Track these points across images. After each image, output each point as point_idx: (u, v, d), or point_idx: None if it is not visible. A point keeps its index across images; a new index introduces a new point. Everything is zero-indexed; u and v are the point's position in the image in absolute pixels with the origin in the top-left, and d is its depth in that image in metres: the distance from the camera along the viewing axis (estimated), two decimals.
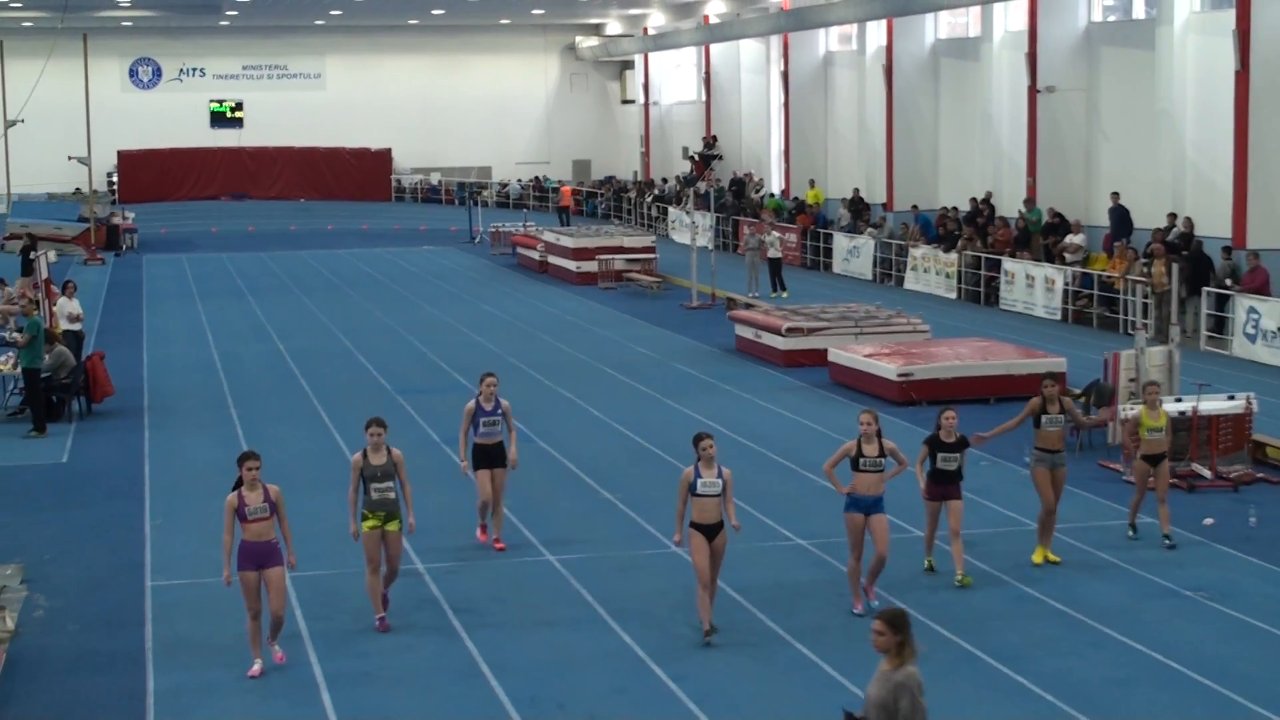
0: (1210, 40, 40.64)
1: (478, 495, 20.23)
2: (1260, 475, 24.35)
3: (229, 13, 75.75)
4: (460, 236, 70.04)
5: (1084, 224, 45.36)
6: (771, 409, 30.52)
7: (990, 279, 45.63)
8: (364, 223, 76.51)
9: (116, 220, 67.60)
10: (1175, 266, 32.28)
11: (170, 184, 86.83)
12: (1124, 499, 23.02)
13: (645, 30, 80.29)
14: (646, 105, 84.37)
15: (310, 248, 65.96)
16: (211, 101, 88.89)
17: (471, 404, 19.89)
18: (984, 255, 46.34)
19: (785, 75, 66.91)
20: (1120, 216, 43.30)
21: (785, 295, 46.74)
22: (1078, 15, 47.52)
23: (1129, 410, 24.93)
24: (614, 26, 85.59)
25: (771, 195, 66.42)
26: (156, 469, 25.91)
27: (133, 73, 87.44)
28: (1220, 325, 36.74)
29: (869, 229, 54.91)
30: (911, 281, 49.69)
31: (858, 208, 57.63)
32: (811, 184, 63.51)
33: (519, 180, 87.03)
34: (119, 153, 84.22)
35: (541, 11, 78.79)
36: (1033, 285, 43.43)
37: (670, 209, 69.28)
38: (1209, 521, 21.71)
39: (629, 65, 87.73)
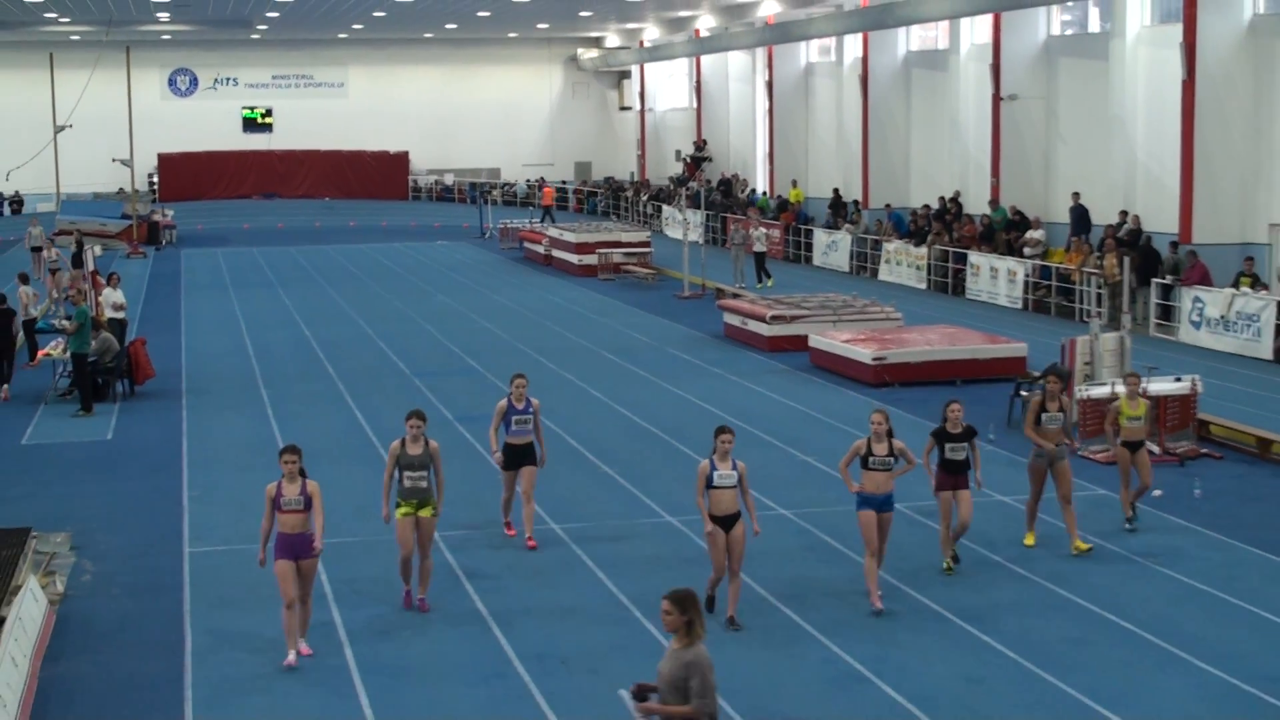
0: (1159, 52, 40.61)
1: (503, 491, 19.45)
2: (1204, 451, 24.37)
3: (260, 27, 75.64)
4: (472, 232, 69.96)
5: (1043, 220, 45.36)
6: (757, 390, 30.52)
7: (957, 271, 45.64)
8: (383, 220, 76.46)
9: (157, 217, 67.58)
10: (1126, 260, 32.32)
11: (206, 184, 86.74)
12: (1080, 472, 23.04)
13: (641, 43, 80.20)
14: (642, 111, 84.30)
15: (334, 243, 65.91)
16: (243, 108, 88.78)
17: (503, 403, 19.01)
18: (951, 249, 46.33)
19: (769, 84, 66.91)
20: (1080, 214, 43.33)
21: (770, 285, 46.75)
22: (1038, 29, 47.52)
23: (1085, 391, 24.99)
24: (612, 39, 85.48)
25: (760, 194, 66.38)
26: (194, 445, 25.91)
27: (171, 82, 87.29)
28: (1167, 313, 36.76)
29: (846, 225, 54.88)
30: (885, 273, 49.68)
31: (836, 205, 57.68)
32: (794, 184, 63.53)
33: (526, 180, 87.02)
34: (159, 155, 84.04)
35: (546, 26, 78.71)
36: (996, 277, 43.44)
37: (664, 206, 69.21)
38: (1158, 493, 21.67)
39: (626, 75, 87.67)
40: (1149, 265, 37.57)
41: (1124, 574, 18.01)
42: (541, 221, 68.64)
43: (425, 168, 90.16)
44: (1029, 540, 19.15)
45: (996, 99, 47.89)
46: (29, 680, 14.80)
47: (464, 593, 17.41)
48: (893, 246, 49.82)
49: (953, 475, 17.76)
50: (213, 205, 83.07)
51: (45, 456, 25.33)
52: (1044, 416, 18.95)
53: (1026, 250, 43.64)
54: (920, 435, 25.72)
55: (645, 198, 74.69)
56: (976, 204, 49.01)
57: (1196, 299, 35.43)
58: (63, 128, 64.80)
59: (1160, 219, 39.83)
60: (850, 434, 26.00)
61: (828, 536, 19.76)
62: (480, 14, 69.15)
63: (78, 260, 44.26)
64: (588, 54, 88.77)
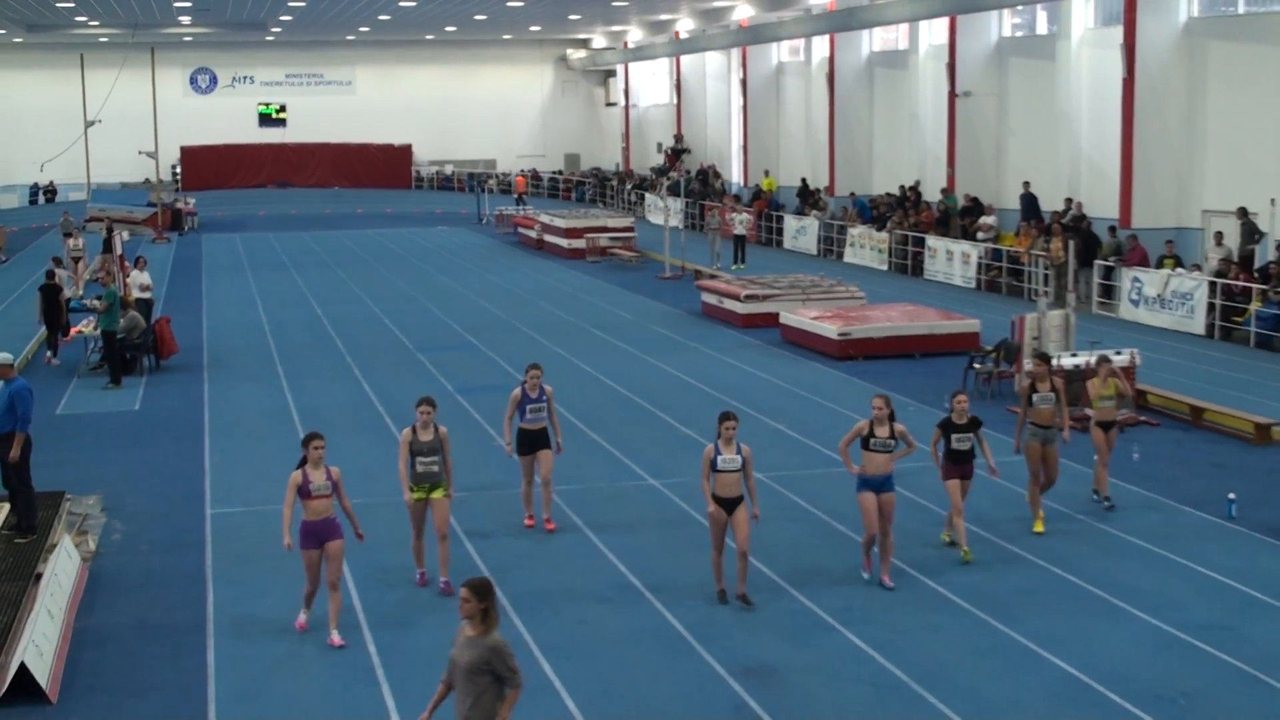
0: (1102, 52, 40.62)
1: (522, 481, 18.40)
2: (1143, 418, 24.43)
3: (274, 29, 75.42)
4: (470, 219, 69.88)
5: (994, 207, 45.42)
6: (732, 363, 30.53)
7: (916, 254, 45.66)
8: (388, 207, 76.32)
9: (180, 205, 67.39)
10: (1071, 243, 32.37)
11: (225, 174, 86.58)
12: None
13: (626, 44, 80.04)
14: (626, 107, 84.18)
15: (343, 228, 65.80)
16: (259, 104, 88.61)
17: (517, 392, 18.00)
18: (911, 234, 46.35)
19: (744, 82, 66.88)
20: (1029, 201, 43.38)
21: (743, 267, 46.76)
22: (990, 31, 47.51)
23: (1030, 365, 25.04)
24: (599, 41, 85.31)
25: (735, 185, 66.41)
26: (214, 415, 25.89)
27: (193, 80, 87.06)
28: (1109, 292, 36.84)
29: (814, 211, 54.88)
30: (850, 256, 49.69)
31: (805, 194, 57.67)
32: (766, 174, 63.46)
33: (520, 171, 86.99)
34: (182, 148, 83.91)
35: (538, 28, 78.57)
36: (951, 259, 43.48)
37: (646, 194, 69.18)
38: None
39: (612, 73, 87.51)
40: (1091, 248, 37.64)
41: (1069, 531, 18.06)
42: (515, 206, 69.12)
43: (427, 159, 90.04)
44: (1038, 527, 17.94)
45: (952, 95, 47.90)
46: (64, 630, 14.83)
47: (463, 550, 17.44)
48: (857, 231, 49.83)
49: (958, 465, 16.85)
50: (231, 194, 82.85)
51: (78, 426, 25.30)
52: (1035, 397, 18.20)
53: (979, 234, 43.68)
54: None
55: (629, 186, 74.66)
56: (933, 192, 49.01)
57: (1135, 279, 35.51)
58: (93, 122, 64.66)
59: (1102, 206, 39.90)
60: (818, 404, 26.14)
61: (797, 498, 19.80)
62: (477, 17, 69.07)
63: (107, 245, 44.09)
64: (576, 54, 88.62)
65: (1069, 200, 40.83)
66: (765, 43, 62.93)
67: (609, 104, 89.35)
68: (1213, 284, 33.22)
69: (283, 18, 68.73)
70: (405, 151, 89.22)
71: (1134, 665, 13.76)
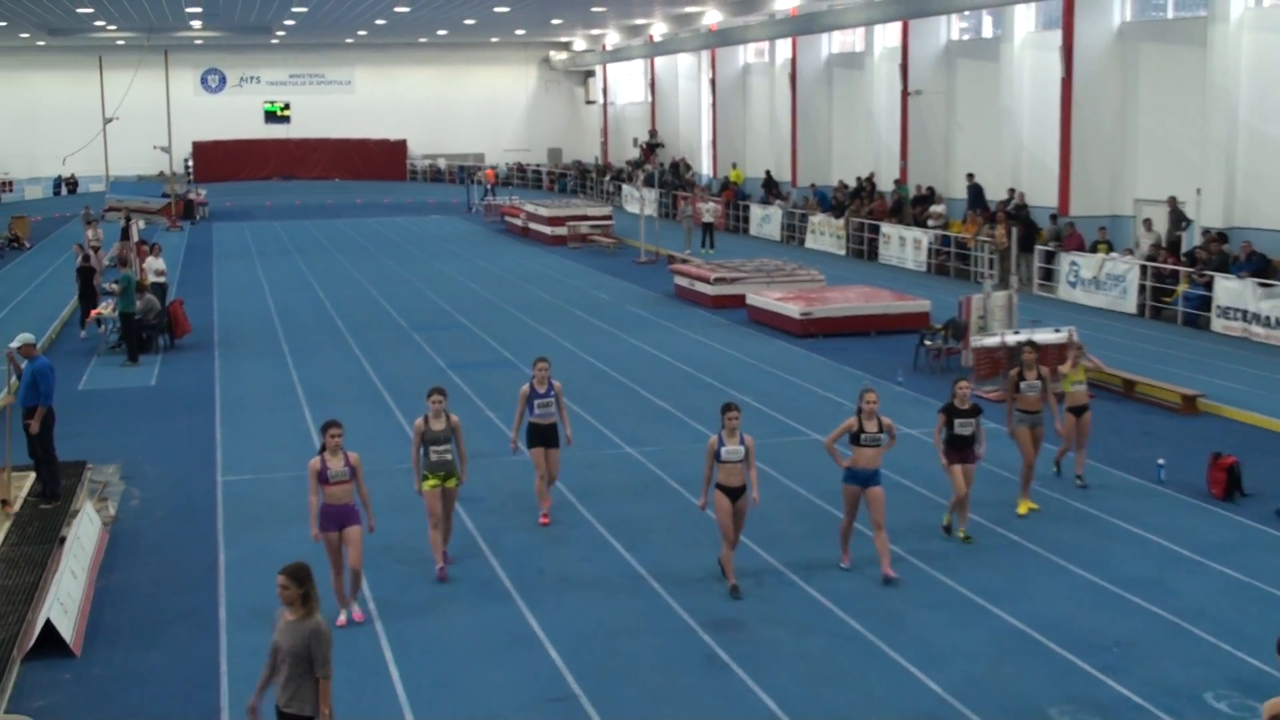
0: (1042, 54, 40.66)
1: (535, 474, 17.15)
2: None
3: (279, 33, 75.05)
4: (460, 208, 69.81)
5: (944, 197, 45.49)
6: (703, 341, 30.55)
7: (871, 239, 45.69)
8: (385, 197, 76.08)
9: (192, 196, 67.14)
10: (1014, 230, 32.42)
11: (234, 167, 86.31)
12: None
13: (604, 46, 79.83)
14: (605, 105, 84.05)
15: (343, 217, 65.61)
16: (265, 103, 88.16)
17: (526, 387, 16.87)
18: (866, 221, 46.38)
19: (713, 82, 66.87)
20: (975, 192, 43.43)
21: (712, 252, 46.76)
22: (940, 34, 47.53)
23: (982, 341, 25.10)
24: (579, 43, 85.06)
25: (704, 177, 66.36)
26: (225, 390, 25.83)
27: (203, 80, 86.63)
28: (1049, 275, 36.92)
29: (777, 201, 54.89)
30: (810, 242, 49.71)
31: (769, 184, 57.69)
32: (734, 166, 63.47)
33: (506, 164, 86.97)
34: (193, 143, 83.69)
35: (523, 32, 78.33)
36: (904, 244, 43.54)
37: (623, 185, 69.12)
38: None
39: (591, 73, 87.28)
40: (1032, 234, 37.73)
41: (1013, 497, 18.11)
42: (483, 199, 69.14)
43: (420, 153, 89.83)
44: (1025, 508, 17.34)
45: (904, 94, 47.93)
46: (87, 589, 14.81)
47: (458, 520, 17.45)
48: (817, 219, 49.85)
49: (960, 450, 15.97)
50: (240, 185, 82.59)
51: (98, 400, 25.22)
52: (1023, 385, 17.48)
53: (929, 222, 43.72)
54: (841, 378, 25.99)
55: (607, 178, 74.55)
56: (887, 183, 49.05)
57: (1073, 262, 35.60)
58: (111, 120, 64.42)
59: (1042, 195, 39.96)
60: (782, 378, 26.18)
61: (761, 464, 19.79)
62: (467, 21, 68.84)
63: (125, 232, 44.01)
64: (558, 56, 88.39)
65: (1012, 190, 40.90)
66: (732, 45, 62.90)
67: (588, 102, 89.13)
68: (1144, 267, 33.32)
69: (287, 22, 68.42)
70: (400, 146, 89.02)
71: (1071, 616, 13.83)
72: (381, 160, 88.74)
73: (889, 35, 49.88)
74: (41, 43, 75.34)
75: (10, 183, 79.41)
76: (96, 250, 39.16)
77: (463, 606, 14.35)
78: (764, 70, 62.36)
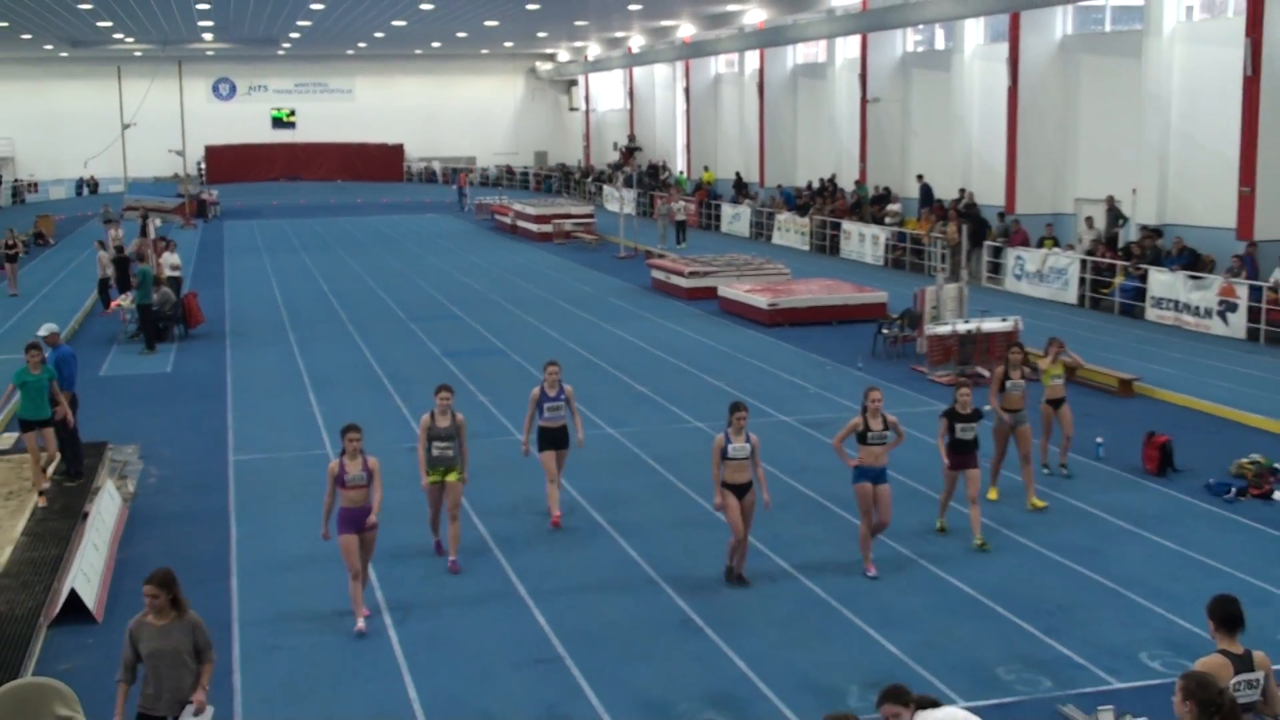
0: (990, 65, 40.69)
1: (545, 477, 16.06)
2: (1024, 375, 24.52)
3: (284, 45, 74.81)
4: (453, 207, 69.65)
5: (899, 196, 45.54)
6: (677, 329, 30.54)
7: (833, 236, 45.70)
8: (384, 197, 75.85)
9: (204, 196, 66.88)
10: (964, 227, 32.50)
11: (243, 169, 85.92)
12: (926, 390, 23.23)
13: (586, 57, 79.69)
14: (587, 111, 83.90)
15: (345, 215, 65.40)
16: (272, 109, 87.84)
17: (536, 390, 15.90)
18: (828, 219, 46.40)
19: (687, 90, 66.82)
20: (925, 191, 43.51)
21: (684, 247, 46.75)
22: (896, 46, 47.53)
23: (935, 329, 25.14)
24: (563, 55, 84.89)
25: (679, 175, 66.27)
26: (236, 376, 25.75)
27: (215, 89, 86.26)
28: (996, 268, 36.97)
29: (746, 200, 54.89)
30: (777, 238, 49.72)
31: (739, 185, 57.70)
32: (706, 168, 63.44)
33: (495, 166, 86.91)
34: (206, 147, 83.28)
35: (511, 44, 78.12)
36: (863, 240, 43.57)
37: (604, 186, 69.05)
38: (988, 408, 21.83)
39: (574, 82, 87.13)
40: (981, 231, 37.79)
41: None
42: (460, 200, 69.10)
43: (416, 156, 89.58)
44: (992, 495, 16.78)
45: (864, 101, 47.92)
46: (108, 561, 14.78)
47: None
48: (783, 217, 49.86)
49: (962, 455, 15.09)
50: (249, 186, 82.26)
51: (118, 386, 25.12)
52: (1008, 384, 16.86)
53: (887, 219, 43.77)
54: (806, 364, 26.02)
55: (590, 179, 74.48)
56: (848, 183, 49.07)
57: (1018, 257, 35.67)
58: (128, 125, 64.13)
59: (990, 195, 40.01)
60: (751, 364, 26.18)
61: None
62: (459, 34, 68.73)
63: (144, 230, 43.81)
64: (544, 66, 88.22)
65: (962, 190, 40.95)
66: (705, 56, 62.81)
67: (572, 109, 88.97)
68: (1084, 261, 33.40)
69: (292, 35, 68.22)
70: (398, 150, 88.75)
71: (1016, 582, 13.87)
72: (380, 163, 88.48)
73: (849, 47, 49.85)
74: (64, 54, 74.99)
75: (35, 184, 79.11)
76: (120, 248, 39.07)
77: (461, 584, 14.36)
78: (734, 80, 62.30)
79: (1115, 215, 34.53)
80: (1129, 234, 33.94)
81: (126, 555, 15.19)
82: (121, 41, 67.30)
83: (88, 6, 51.28)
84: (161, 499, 17.50)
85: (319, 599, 13.65)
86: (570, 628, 12.81)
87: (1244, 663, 8.01)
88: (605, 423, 21.28)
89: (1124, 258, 32.73)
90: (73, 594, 13.10)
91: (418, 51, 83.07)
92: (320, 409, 22.58)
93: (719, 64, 64.60)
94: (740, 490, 13.70)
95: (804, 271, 37.82)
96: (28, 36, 64.01)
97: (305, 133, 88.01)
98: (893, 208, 44.47)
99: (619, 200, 53.87)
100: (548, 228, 52.42)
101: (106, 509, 16.03)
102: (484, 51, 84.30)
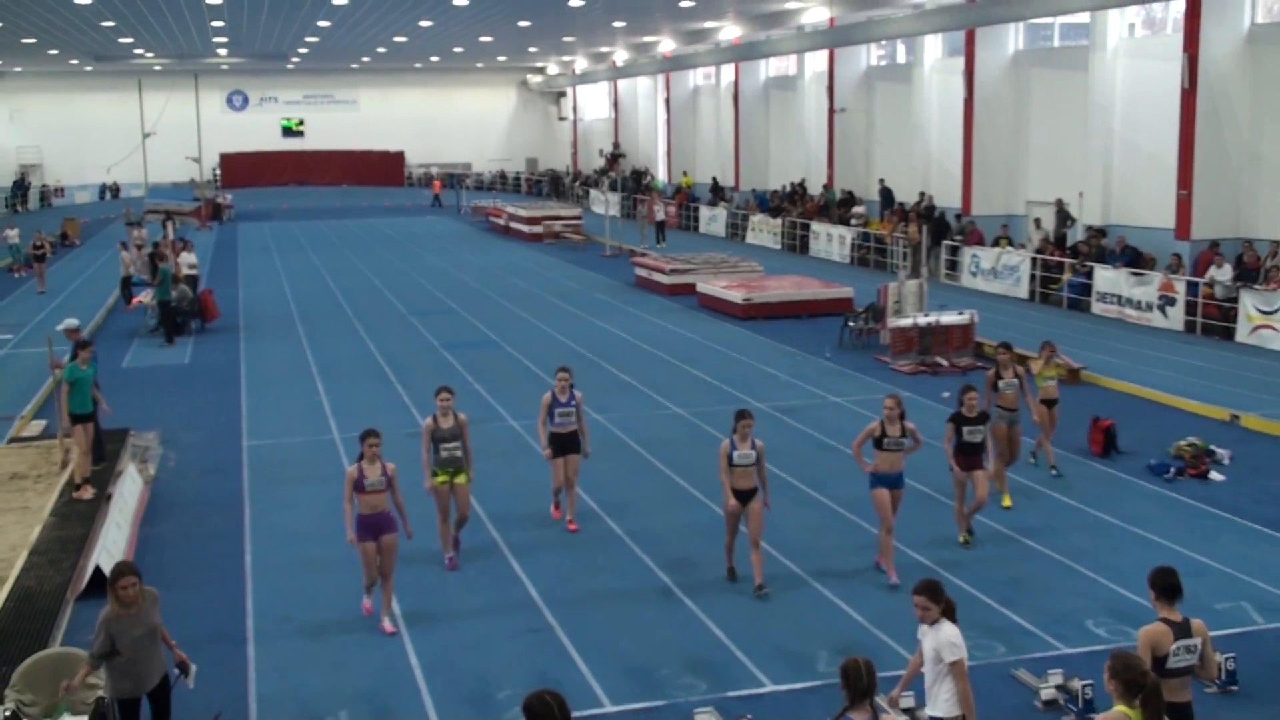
0: (948, 77, 40.73)
1: (552, 480, 15.36)
2: (979, 364, 24.59)
3: (294, 59, 74.50)
4: (450, 209, 69.48)
5: (864, 199, 45.57)
6: (659, 323, 30.52)
7: (803, 236, 45.69)
8: (386, 201, 75.63)
9: (219, 200, 66.65)
10: (924, 227, 32.53)
11: (256, 175, 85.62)
12: (890, 379, 23.25)
13: (574, 70, 79.48)
14: (575, 121, 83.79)
15: (350, 218, 65.16)
16: (283, 119, 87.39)
17: (548, 396, 14.98)
18: (798, 220, 46.41)
19: (667, 101, 66.71)
20: (887, 194, 43.55)
21: (663, 246, 46.70)
22: (861, 60, 47.54)
23: (897, 322, 25.16)
24: (553, 68, 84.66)
25: (657, 180, 66.21)
26: (249, 366, 25.67)
27: (229, 100, 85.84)
28: (954, 266, 37.02)
29: (723, 203, 54.87)
30: (751, 238, 49.70)
31: (715, 189, 57.68)
32: (685, 173, 63.35)
33: (491, 171, 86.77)
34: (220, 154, 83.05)
35: (504, 58, 77.90)
36: (831, 240, 43.57)
37: (591, 190, 68.96)
38: (946, 394, 21.90)
39: (563, 94, 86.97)
40: (940, 231, 37.82)
41: (923, 453, 18.09)
42: (432, 206, 69.08)
43: (416, 162, 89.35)
44: (1006, 502, 15.76)
45: (831, 111, 47.94)
46: (130, 539, 14.73)
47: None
48: (756, 218, 49.84)
49: (970, 457, 14.17)
50: (261, 191, 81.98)
51: (139, 376, 25.02)
52: (1000, 384, 16.12)
53: (852, 220, 43.78)
54: (778, 354, 26.02)
55: (577, 183, 74.39)
56: (816, 187, 49.07)
57: (974, 255, 35.71)
58: (149, 134, 63.92)
59: (948, 197, 40.04)
60: (727, 354, 26.18)
61: (710, 428, 19.85)
62: (456, 49, 68.55)
63: (166, 231, 43.60)
64: (534, 79, 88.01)
65: (922, 193, 41.00)
66: (684, 70, 62.79)
67: (561, 118, 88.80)
68: (1034, 259, 33.45)
69: (301, 50, 67.94)
70: (399, 157, 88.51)
71: (973, 558, 13.89)
72: (383, 168, 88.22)
73: (818, 61, 49.84)
74: (89, 68, 74.61)
75: (62, 189, 78.84)
76: (140, 248, 38.98)
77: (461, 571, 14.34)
78: (711, 91, 62.30)
79: (1063, 216, 34.59)
80: (1076, 234, 34.01)
81: (147, 534, 15.15)
82: (142, 56, 66.98)
83: (110, 24, 51.03)
84: (180, 481, 17.44)
85: (326, 573, 13.63)
86: (560, 599, 12.82)
87: (1183, 630, 8.08)
88: (591, 409, 21.20)
89: (1071, 256, 32.80)
90: (98, 570, 13.05)
91: (417, 65, 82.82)
92: (327, 397, 22.53)
93: (697, 76, 64.55)
94: (745, 496, 12.94)
95: (776, 269, 37.83)
96: (55, 52, 63.68)
97: (313, 141, 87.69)
98: (857, 210, 44.48)
99: (604, 203, 53.80)
100: (538, 229, 52.30)
101: (129, 490, 15.98)
102: (479, 65, 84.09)
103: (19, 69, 76.25)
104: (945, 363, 24.48)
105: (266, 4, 46.09)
